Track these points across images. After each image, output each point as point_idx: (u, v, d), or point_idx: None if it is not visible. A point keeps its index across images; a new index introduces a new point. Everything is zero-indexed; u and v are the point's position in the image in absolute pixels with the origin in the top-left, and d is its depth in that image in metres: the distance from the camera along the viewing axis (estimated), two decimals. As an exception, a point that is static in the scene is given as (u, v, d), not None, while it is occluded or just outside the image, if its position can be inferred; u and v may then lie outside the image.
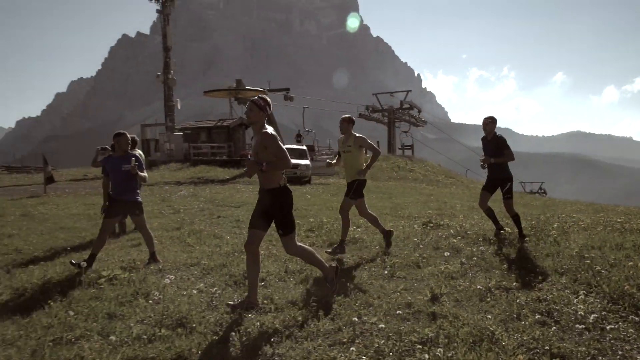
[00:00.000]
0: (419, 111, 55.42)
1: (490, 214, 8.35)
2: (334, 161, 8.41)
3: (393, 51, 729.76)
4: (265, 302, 5.16)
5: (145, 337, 4.27)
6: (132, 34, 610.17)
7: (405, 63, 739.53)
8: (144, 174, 7.52)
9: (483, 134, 8.25)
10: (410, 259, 6.93)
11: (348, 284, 5.79)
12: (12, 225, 11.39)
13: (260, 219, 5.19)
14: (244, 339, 4.22)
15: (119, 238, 9.81)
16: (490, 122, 8.11)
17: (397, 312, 4.72)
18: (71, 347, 4.13)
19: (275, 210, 5.07)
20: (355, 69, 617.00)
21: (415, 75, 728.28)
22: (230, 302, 5.08)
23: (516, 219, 8.11)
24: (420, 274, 6.19)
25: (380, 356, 3.81)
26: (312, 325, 4.48)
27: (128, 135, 7.55)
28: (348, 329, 4.36)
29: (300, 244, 5.34)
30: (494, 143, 7.98)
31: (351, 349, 3.91)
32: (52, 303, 5.37)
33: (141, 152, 11.37)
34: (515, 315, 4.52)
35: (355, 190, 7.77)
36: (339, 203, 15.21)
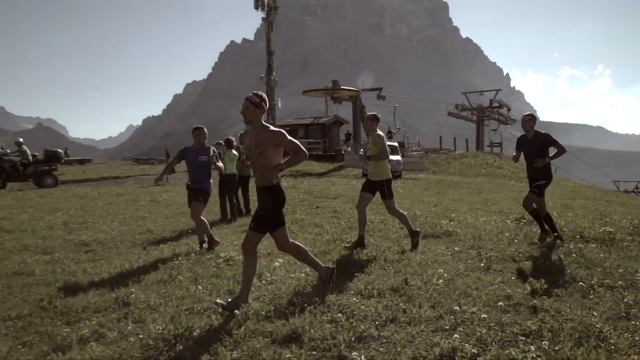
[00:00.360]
0: (509, 109, 53.11)
1: (546, 218, 7.49)
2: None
3: (482, 51, 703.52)
4: (369, 287, 5.16)
5: (262, 313, 4.41)
6: (239, 41, 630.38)
7: (494, 63, 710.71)
8: (220, 164, 7.76)
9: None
10: (506, 253, 6.66)
11: (445, 274, 5.66)
12: (143, 209, 12.26)
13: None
14: (351, 320, 4.24)
15: (231, 224, 10.21)
16: (529, 119, 7.38)
17: (499, 303, 4.55)
18: (201, 317, 4.35)
19: (262, 206, 4.75)
20: (444, 69, 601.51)
21: (504, 74, 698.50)
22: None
23: (535, 214, 7.42)
24: (516, 268, 5.93)
25: (482, 345, 3.69)
26: (414, 312, 4.42)
27: (205, 130, 7.69)
28: (449, 317, 4.26)
29: (255, 256, 4.83)
30: (539, 141, 7.23)
31: (454, 336, 3.81)
32: (181, 277, 5.69)
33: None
34: (623, 315, 4.20)
35: (388, 190, 7.38)
36: (429, 197, 15.07)
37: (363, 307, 4.56)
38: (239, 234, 8.91)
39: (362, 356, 3.59)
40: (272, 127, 4.64)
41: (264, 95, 4.68)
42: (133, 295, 4.99)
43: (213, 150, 7.57)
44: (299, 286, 5.23)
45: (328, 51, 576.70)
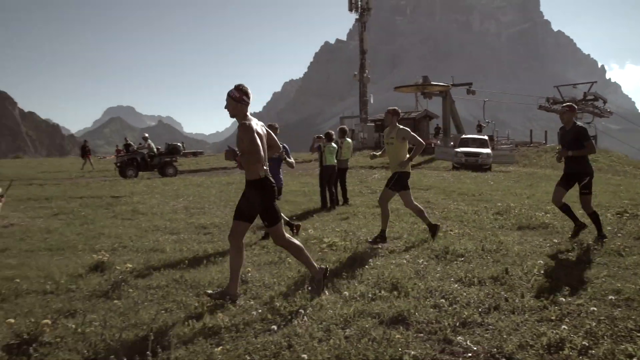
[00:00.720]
0: (605, 102, 49.09)
1: (566, 210, 6.86)
2: (379, 153, 7.50)
3: (575, 44, 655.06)
4: (469, 275, 5.00)
5: (369, 295, 4.41)
6: (332, 41, 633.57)
7: (588, 55, 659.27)
8: (291, 160, 7.60)
9: None
10: (610, 246, 6.16)
11: (546, 266, 5.36)
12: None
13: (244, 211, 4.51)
14: (454, 306, 4.14)
15: (330, 212, 10.31)
16: (567, 110, 6.63)
17: (608, 297, 4.21)
18: (311, 297, 4.41)
19: (256, 202, 4.40)
20: (534, 64, 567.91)
21: (599, 66, 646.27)
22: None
23: (594, 217, 6.66)
24: (624, 263, 5.45)
25: (593, 337, 3.44)
26: (516, 301, 4.23)
27: (276, 125, 7.63)
28: (554, 308, 4.02)
29: (291, 239, 4.67)
30: (573, 133, 6.53)
31: (562, 327, 3.59)
32: (289, 260, 5.82)
33: (350, 140, 11.78)
34: None
35: (396, 181, 6.87)
36: (522, 189, 14.35)
37: (465, 294, 4.43)
38: (338, 222, 8.99)
39: (468, 341, 3.49)
40: (248, 122, 4.28)
41: (245, 89, 4.34)
42: (249, 274, 5.18)
43: (283, 146, 7.50)
44: (401, 272, 5.17)
45: (417, 49, 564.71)
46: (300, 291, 4.58)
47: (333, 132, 11.25)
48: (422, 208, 7.14)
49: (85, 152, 28.17)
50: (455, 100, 40.43)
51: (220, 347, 3.36)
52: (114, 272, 5.25)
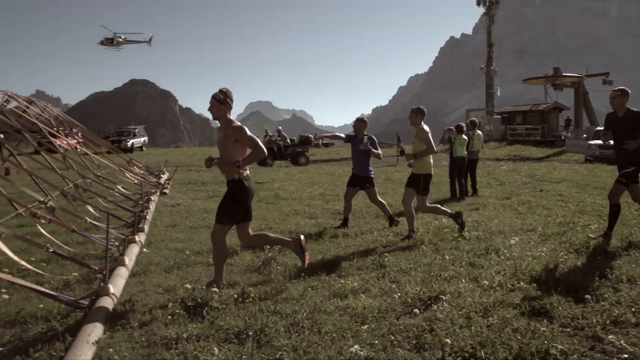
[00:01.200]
0: None
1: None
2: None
3: None
4: (616, 272, 4.44)
5: (508, 286, 4.12)
6: (457, 35, 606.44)
7: None
8: (378, 151, 7.18)
9: None
10: None
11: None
12: (380, 186, 12.60)
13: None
14: (602, 302, 3.70)
15: (460, 202, 9.89)
16: (619, 95, 5.52)
17: None
18: (448, 284, 4.23)
19: (230, 200, 4.28)
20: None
21: None
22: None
23: (614, 210, 5.78)
24: None
25: None
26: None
27: (365, 119, 7.38)
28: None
29: (252, 232, 4.53)
30: (630, 121, 5.43)
31: None
32: (424, 247, 5.68)
33: (480, 132, 11.18)
34: None
35: (424, 186, 6.27)
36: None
37: (612, 291, 3.95)
38: (469, 212, 8.57)
39: (622, 341, 3.10)
40: (235, 124, 4.19)
41: (229, 92, 4.22)
42: (387, 259, 5.13)
43: (368, 138, 7.17)
44: (539, 264, 4.76)
45: (545, 40, 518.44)
46: (437, 277, 4.44)
47: (463, 125, 10.78)
48: (413, 214, 6.50)
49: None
50: (589, 92, 36.52)
51: (366, 326, 3.36)
52: (264, 251, 5.52)
